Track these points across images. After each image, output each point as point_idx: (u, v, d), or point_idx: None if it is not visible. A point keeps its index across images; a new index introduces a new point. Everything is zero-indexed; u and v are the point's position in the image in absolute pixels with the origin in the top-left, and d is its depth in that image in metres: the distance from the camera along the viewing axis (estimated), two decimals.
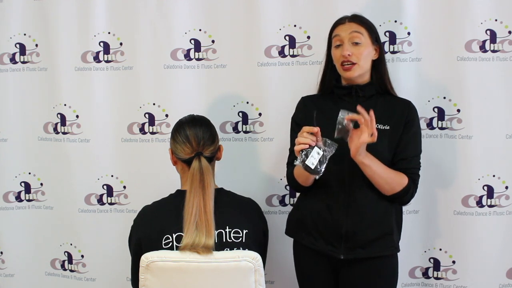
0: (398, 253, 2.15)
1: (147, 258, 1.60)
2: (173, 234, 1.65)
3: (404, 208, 2.17)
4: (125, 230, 2.25)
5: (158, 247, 1.64)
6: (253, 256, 1.59)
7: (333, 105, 1.85)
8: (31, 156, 2.38)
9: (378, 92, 1.85)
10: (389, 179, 1.74)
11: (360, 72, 1.78)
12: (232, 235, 1.66)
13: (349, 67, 1.77)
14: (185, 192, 1.67)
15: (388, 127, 1.78)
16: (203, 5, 2.22)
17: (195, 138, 1.70)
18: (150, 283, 1.62)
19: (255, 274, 1.60)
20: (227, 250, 1.64)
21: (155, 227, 1.68)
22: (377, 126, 1.73)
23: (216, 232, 1.64)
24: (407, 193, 1.78)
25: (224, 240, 1.65)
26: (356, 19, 1.81)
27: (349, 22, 1.79)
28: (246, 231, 1.68)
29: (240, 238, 1.67)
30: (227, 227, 1.66)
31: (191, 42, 2.24)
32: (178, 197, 1.72)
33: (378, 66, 1.84)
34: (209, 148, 1.72)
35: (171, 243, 1.65)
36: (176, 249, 1.63)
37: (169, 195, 1.79)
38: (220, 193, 1.75)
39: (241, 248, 1.65)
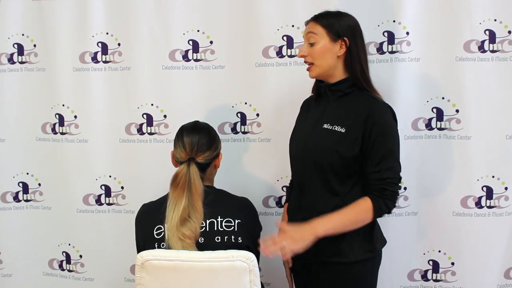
0: (397, 255, 2.17)
1: (142, 257, 1.61)
2: (165, 224, 1.68)
3: (402, 210, 2.18)
4: (123, 230, 2.27)
5: (151, 239, 1.68)
6: (248, 256, 1.59)
7: (315, 104, 1.86)
8: (29, 156, 2.38)
9: (356, 88, 1.75)
10: (353, 222, 1.66)
11: (319, 72, 1.74)
12: (223, 224, 1.70)
13: (308, 68, 1.76)
14: None
15: (343, 130, 1.69)
16: (201, 6, 2.22)
17: (190, 144, 1.76)
18: (146, 282, 1.62)
19: (250, 274, 1.59)
20: (218, 238, 1.67)
21: (151, 222, 1.72)
22: (334, 128, 1.71)
23: (208, 222, 1.68)
24: (381, 212, 1.67)
25: (215, 229, 1.68)
26: (315, 17, 1.75)
27: (310, 21, 1.75)
28: (239, 221, 1.71)
29: (232, 227, 1.70)
30: (219, 217, 1.70)
31: (189, 43, 2.24)
32: None
33: (348, 62, 1.74)
34: (203, 154, 1.76)
35: (163, 233, 1.68)
36: (167, 238, 1.66)
37: (167, 193, 1.80)
38: (213, 190, 1.79)
39: (232, 237, 1.68)
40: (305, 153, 1.77)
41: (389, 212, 1.69)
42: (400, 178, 1.71)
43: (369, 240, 1.74)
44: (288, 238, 1.58)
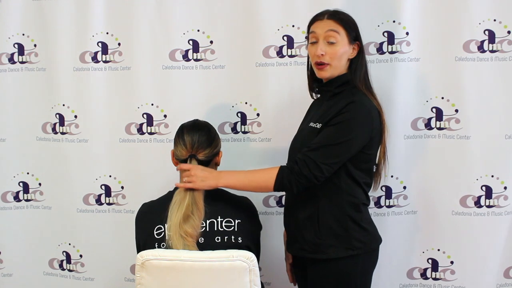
0: (397, 254, 2.18)
1: (142, 256, 1.61)
2: (165, 224, 1.69)
3: (402, 209, 2.19)
4: (123, 230, 2.27)
5: (151, 239, 1.69)
6: (248, 256, 1.59)
7: (315, 103, 1.88)
8: (29, 156, 2.38)
9: (346, 87, 1.75)
10: (255, 185, 1.71)
11: (333, 73, 1.73)
12: (223, 224, 1.70)
13: (322, 67, 1.72)
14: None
15: (319, 126, 1.71)
16: (201, 6, 2.22)
17: (190, 142, 1.77)
18: (145, 281, 1.62)
19: (250, 274, 1.60)
20: (218, 238, 1.68)
21: (151, 222, 1.73)
22: (316, 125, 1.71)
23: (208, 222, 1.69)
24: (282, 185, 1.66)
25: (215, 229, 1.69)
26: (335, 16, 1.73)
27: (327, 19, 1.72)
28: (239, 221, 1.72)
29: (232, 227, 1.71)
30: (219, 217, 1.71)
31: (189, 43, 2.24)
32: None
33: (355, 64, 1.75)
34: (204, 151, 1.77)
35: (163, 233, 1.69)
36: (168, 238, 1.67)
37: (168, 192, 1.82)
38: (213, 189, 1.77)
39: (232, 237, 1.69)
40: (295, 151, 1.79)
41: (291, 189, 1.67)
42: (321, 169, 1.63)
43: (347, 237, 1.71)
44: (193, 175, 1.67)
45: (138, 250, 1.75)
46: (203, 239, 1.68)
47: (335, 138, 1.65)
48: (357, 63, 1.75)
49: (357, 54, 1.75)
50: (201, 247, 1.66)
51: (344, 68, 1.76)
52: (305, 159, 1.64)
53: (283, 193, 2.22)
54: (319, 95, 1.90)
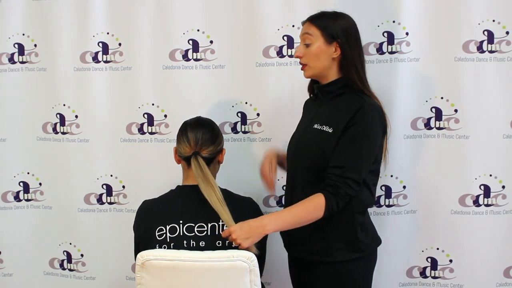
0: (396, 252, 2.19)
1: (142, 256, 1.61)
2: (167, 226, 1.69)
3: (401, 208, 2.20)
4: (125, 229, 2.27)
5: (152, 239, 1.69)
6: (248, 256, 1.59)
7: (313, 104, 1.88)
8: (30, 156, 2.38)
9: (350, 88, 1.75)
10: (304, 220, 1.65)
11: (313, 73, 1.75)
12: (225, 227, 1.68)
13: (302, 68, 1.78)
14: (186, 187, 1.78)
15: (331, 130, 1.70)
16: (201, 5, 2.23)
17: (194, 139, 1.77)
18: (146, 282, 1.63)
19: (250, 274, 1.60)
20: (219, 243, 1.68)
21: (153, 221, 1.73)
22: (323, 128, 1.72)
23: (210, 225, 1.69)
24: (332, 211, 1.64)
25: (217, 233, 1.68)
26: (311, 19, 1.75)
27: (306, 21, 1.76)
28: None
29: None
30: (221, 220, 1.69)
31: (189, 43, 2.25)
32: (179, 192, 1.79)
33: (343, 64, 1.74)
34: (207, 149, 1.77)
35: (164, 235, 1.69)
36: (169, 240, 1.67)
37: (169, 190, 1.83)
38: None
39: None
40: (296, 152, 1.80)
41: (338, 211, 1.66)
42: (359, 183, 1.67)
43: (354, 240, 1.73)
44: (235, 238, 1.57)
45: (137, 247, 1.77)
46: (204, 242, 1.68)
47: (361, 151, 1.67)
48: (344, 63, 1.74)
49: (341, 52, 1.73)
50: (202, 250, 1.65)
51: (330, 67, 1.74)
52: (346, 181, 1.64)
53: (283, 192, 2.23)
54: (312, 95, 1.91)
